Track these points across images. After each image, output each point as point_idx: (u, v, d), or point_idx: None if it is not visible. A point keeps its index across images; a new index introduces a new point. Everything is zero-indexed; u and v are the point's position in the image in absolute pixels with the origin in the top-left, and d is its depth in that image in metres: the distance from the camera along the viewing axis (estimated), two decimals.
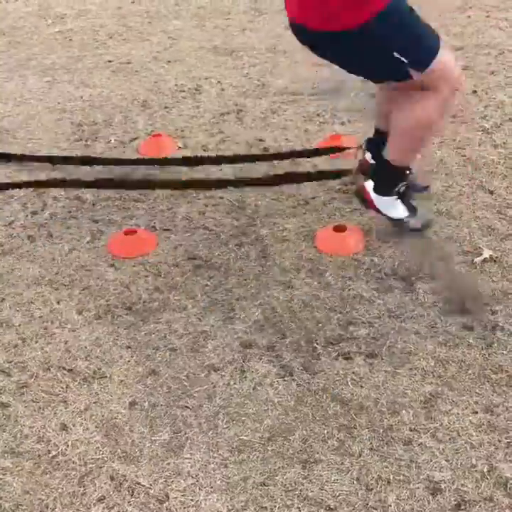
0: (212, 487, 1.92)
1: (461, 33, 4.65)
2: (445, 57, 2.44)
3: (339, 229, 2.77)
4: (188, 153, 3.54)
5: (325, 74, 4.25)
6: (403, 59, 2.36)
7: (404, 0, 2.45)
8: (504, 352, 2.26)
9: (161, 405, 2.17)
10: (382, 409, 2.10)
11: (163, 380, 2.25)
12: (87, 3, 5.99)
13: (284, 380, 2.22)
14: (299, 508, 1.85)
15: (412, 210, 2.71)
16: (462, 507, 1.82)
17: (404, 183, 2.66)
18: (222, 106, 4.02)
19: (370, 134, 3.58)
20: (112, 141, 3.74)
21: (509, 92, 3.83)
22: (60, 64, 4.81)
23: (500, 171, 3.15)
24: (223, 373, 2.26)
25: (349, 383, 2.19)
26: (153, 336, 2.42)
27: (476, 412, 2.07)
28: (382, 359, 2.27)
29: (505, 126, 3.51)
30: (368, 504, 1.84)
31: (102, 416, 2.14)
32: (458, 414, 2.07)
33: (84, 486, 1.94)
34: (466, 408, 2.08)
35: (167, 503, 1.88)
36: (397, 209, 2.69)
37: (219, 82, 4.34)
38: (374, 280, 2.59)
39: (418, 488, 1.87)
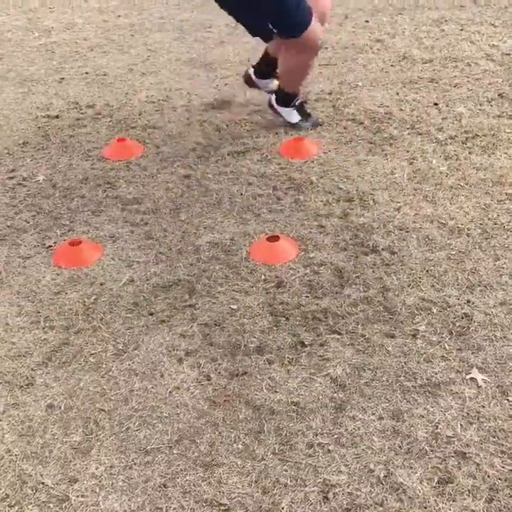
0: (113, 488, 1.96)
1: (431, 46, 4.67)
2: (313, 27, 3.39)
3: (273, 239, 2.81)
4: (152, 158, 3.60)
5: None
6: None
7: None
8: (420, 360, 2.28)
9: (78, 408, 2.21)
10: (291, 415, 2.13)
11: (84, 384, 2.30)
12: (75, 17, 6.11)
13: (201, 385, 2.26)
14: (193, 509, 1.88)
15: (305, 116, 3.85)
16: (352, 511, 1.84)
17: (298, 98, 3.80)
18: (188, 116, 4.08)
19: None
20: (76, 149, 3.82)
21: (469, 105, 3.84)
22: (38, 75, 4.91)
23: (447, 183, 3.17)
24: (143, 377, 2.30)
25: (264, 388, 2.22)
26: (79, 341, 2.47)
27: (383, 418, 2.09)
28: (301, 365, 2.30)
29: (459, 138, 3.52)
30: (261, 507, 1.87)
31: (19, 418, 2.19)
32: (364, 420, 2.09)
33: None
34: (373, 414, 2.10)
35: (67, 502, 1.92)
36: (293, 116, 3.83)
37: (188, 93, 4.40)
38: (306, 287, 2.62)
39: (313, 491, 1.90)
